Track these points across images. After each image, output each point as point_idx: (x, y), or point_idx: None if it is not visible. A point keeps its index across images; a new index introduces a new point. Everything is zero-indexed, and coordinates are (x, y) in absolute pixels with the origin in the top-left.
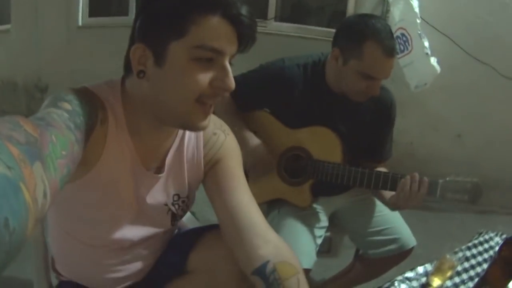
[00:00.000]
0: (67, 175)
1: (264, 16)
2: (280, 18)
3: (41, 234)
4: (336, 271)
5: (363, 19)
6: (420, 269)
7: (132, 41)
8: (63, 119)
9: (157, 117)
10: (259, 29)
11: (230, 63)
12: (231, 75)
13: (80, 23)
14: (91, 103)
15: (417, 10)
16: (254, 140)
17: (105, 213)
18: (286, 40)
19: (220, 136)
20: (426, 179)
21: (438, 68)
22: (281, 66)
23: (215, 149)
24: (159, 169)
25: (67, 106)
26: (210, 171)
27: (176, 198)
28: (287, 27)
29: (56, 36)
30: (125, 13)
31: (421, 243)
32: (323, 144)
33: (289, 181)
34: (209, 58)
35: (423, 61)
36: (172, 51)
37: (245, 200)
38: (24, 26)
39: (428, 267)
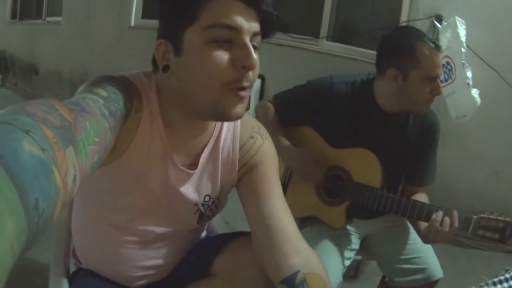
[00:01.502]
0: (98, 161)
1: (316, 35)
2: (332, 38)
3: (67, 218)
4: None
5: (398, 32)
6: None
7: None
8: (98, 105)
9: (190, 111)
10: (310, 47)
11: (255, 46)
12: (252, 52)
13: (132, 23)
14: (127, 90)
15: (463, 39)
16: (297, 150)
17: (130, 201)
18: (336, 60)
19: (257, 140)
20: (457, 215)
21: (478, 100)
22: (329, 82)
23: (252, 153)
24: (193, 166)
25: (102, 92)
26: (245, 176)
27: (207, 199)
28: (337, 47)
29: (107, 33)
30: None
31: (446, 277)
32: (364, 167)
33: (326, 200)
34: (227, 39)
35: (464, 92)
36: (188, 38)
37: (279, 208)
38: (76, 20)
39: None
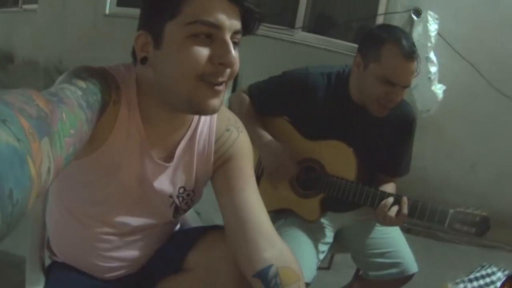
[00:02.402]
0: (73, 153)
1: (292, 25)
2: (308, 28)
3: (42, 211)
4: None
5: (385, 26)
6: None
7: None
8: (76, 96)
9: (166, 103)
10: (285, 37)
11: (235, 42)
12: (231, 49)
13: (107, 11)
14: (106, 82)
15: (432, 33)
16: (274, 144)
17: (104, 193)
18: (311, 51)
19: (233, 133)
20: (406, 201)
21: (440, 95)
22: (304, 73)
23: (227, 146)
24: (168, 159)
25: (81, 83)
26: (220, 168)
27: (181, 190)
28: (313, 38)
29: (82, 21)
30: None
31: (422, 270)
32: (338, 160)
33: (300, 193)
34: (208, 34)
35: (425, 86)
36: (168, 31)
37: (253, 201)
38: (51, 8)
39: None
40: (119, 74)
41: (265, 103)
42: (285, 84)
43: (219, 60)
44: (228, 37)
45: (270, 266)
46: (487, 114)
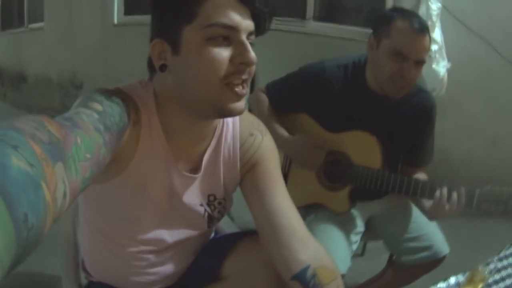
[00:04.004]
0: (90, 177)
1: (303, 16)
2: (319, 18)
3: (72, 233)
4: (369, 276)
5: (395, 8)
6: (452, 280)
7: (151, 41)
8: (92, 120)
9: (189, 109)
10: (297, 29)
11: (251, 44)
12: (250, 48)
13: (115, 21)
14: (124, 104)
15: (434, 12)
16: (296, 137)
17: (135, 213)
18: (325, 40)
19: (257, 137)
20: (463, 190)
21: (442, 74)
22: (321, 67)
23: (252, 151)
24: (195, 170)
25: (97, 106)
26: (248, 174)
27: (212, 198)
28: (325, 27)
29: (91, 33)
30: None
31: (452, 250)
32: (363, 149)
33: (328, 186)
34: (225, 36)
35: (427, 65)
36: (186, 36)
37: (284, 204)
38: (58, 24)
39: (460, 278)
40: (136, 93)
41: (284, 101)
42: (303, 80)
43: (240, 60)
44: (244, 37)
45: (307, 268)
46: (504, 88)
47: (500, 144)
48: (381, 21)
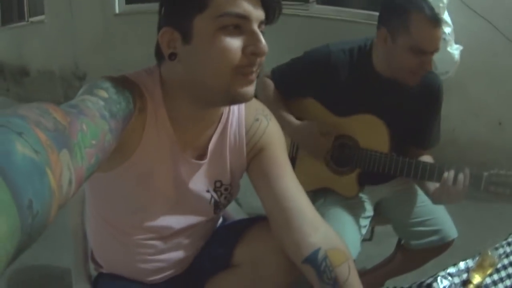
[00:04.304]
0: (95, 164)
1: None
2: (321, 0)
3: (80, 224)
4: (377, 260)
5: None
6: (462, 265)
7: (160, 29)
8: (98, 107)
9: (198, 98)
10: (300, 12)
11: (262, 32)
12: (262, 38)
13: (117, 11)
14: (129, 91)
15: None
16: (303, 122)
17: (141, 201)
18: (328, 23)
19: (262, 122)
20: (468, 173)
21: (456, 56)
22: (326, 51)
23: (258, 136)
24: (201, 156)
25: (103, 93)
26: (255, 159)
27: (218, 184)
28: (328, 10)
29: (92, 24)
30: None
31: (460, 233)
32: (370, 133)
33: (336, 170)
34: (236, 25)
35: (442, 48)
36: (198, 26)
37: (292, 187)
38: (59, 16)
39: (470, 263)
40: (141, 80)
41: (290, 86)
42: (308, 65)
43: (252, 50)
44: (256, 27)
45: (318, 250)
46: (510, 70)
47: (506, 125)
48: (393, 14)
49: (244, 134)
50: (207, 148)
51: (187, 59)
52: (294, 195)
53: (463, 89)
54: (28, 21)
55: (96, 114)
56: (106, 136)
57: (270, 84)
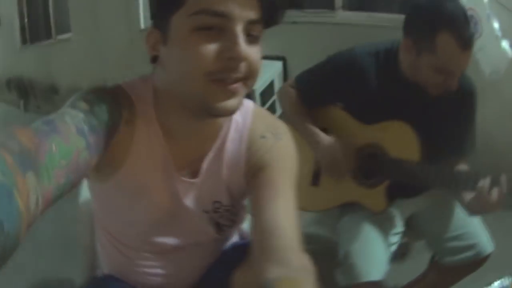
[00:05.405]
0: (67, 183)
1: (331, 6)
2: (348, 7)
3: (89, 236)
4: (410, 277)
5: (435, 2)
6: (496, 284)
7: None
8: (77, 120)
9: (183, 106)
10: (327, 20)
11: (253, 35)
12: (239, 41)
13: (142, 26)
14: (116, 102)
15: None
16: (326, 139)
17: (137, 214)
18: (356, 30)
19: (269, 140)
20: (505, 180)
21: (510, 52)
22: (351, 55)
23: (259, 155)
24: (195, 174)
25: (84, 106)
26: (253, 179)
27: (217, 205)
28: (355, 16)
29: (119, 40)
30: None
31: (497, 245)
32: (400, 141)
33: (364, 182)
34: (216, 27)
35: (494, 45)
36: (174, 25)
37: (277, 220)
38: (86, 33)
39: (505, 281)
40: (133, 89)
41: (314, 93)
42: (332, 70)
43: (227, 54)
44: (238, 28)
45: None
46: None
47: None
48: (420, 29)
49: (244, 151)
50: (202, 165)
51: (165, 62)
52: (274, 230)
53: (499, 90)
54: (55, 39)
55: (72, 130)
56: (81, 154)
57: (293, 93)
